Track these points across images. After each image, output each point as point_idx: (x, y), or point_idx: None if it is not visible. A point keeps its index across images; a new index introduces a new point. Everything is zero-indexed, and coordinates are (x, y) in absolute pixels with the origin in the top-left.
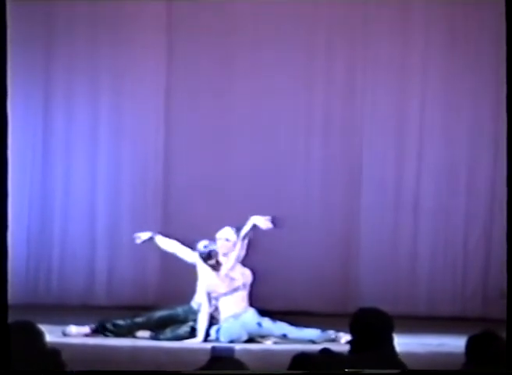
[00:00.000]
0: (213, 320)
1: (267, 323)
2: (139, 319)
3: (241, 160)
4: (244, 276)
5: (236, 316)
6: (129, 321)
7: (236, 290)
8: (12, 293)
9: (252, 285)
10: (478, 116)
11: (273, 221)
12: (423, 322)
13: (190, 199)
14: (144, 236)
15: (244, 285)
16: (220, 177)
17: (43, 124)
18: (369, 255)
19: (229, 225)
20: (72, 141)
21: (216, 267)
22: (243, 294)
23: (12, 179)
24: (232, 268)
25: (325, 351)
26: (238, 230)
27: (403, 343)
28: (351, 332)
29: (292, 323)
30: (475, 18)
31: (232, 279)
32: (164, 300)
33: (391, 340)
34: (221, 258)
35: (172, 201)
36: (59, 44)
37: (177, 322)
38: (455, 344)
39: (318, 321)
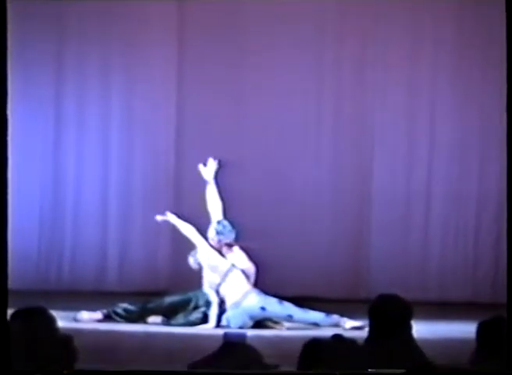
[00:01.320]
0: (223, 306)
1: (271, 305)
2: (150, 305)
3: (251, 153)
4: (231, 256)
5: (237, 304)
6: (140, 306)
7: (226, 274)
8: (24, 279)
9: (260, 272)
10: (488, 105)
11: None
12: (434, 308)
13: (202, 186)
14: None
15: (234, 265)
16: (230, 170)
17: (54, 115)
18: (380, 240)
19: (239, 214)
20: (83, 130)
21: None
22: (238, 276)
23: (23, 166)
24: (209, 258)
25: (338, 337)
26: (232, 225)
27: (413, 329)
28: (370, 318)
29: (299, 305)
30: (485, 12)
31: (215, 267)
32: (175, 285)
33: (409, 328)
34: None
35: (183, 187)
36: (70, 43)
37: (189, 307)
38: (466, 329)
39: (329, 307)
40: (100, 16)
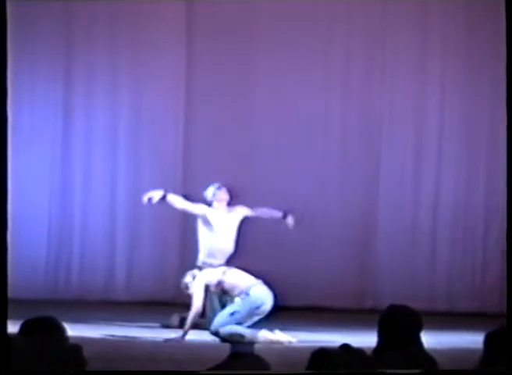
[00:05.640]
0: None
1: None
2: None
3: (260, 156)
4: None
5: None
6: None
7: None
8: (33, 289)
9: (269, 283)
10: (496, 113)
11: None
12: (442, 318)
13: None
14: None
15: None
16: (238, 174)
17: (63, 119)
18: (388, 251)
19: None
20: (91, 141)
21: None
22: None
23: (32, 174)
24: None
25: (345, 347)
26: None
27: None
28: (380, 329)
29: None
30: (493, 10)
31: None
32: (183, 295)
33: (419, 338)
34: None
35: (192, 198)
36: (79, 43)
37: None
38: (474, 340)
39: (336, 317)
40: (108, 16)
